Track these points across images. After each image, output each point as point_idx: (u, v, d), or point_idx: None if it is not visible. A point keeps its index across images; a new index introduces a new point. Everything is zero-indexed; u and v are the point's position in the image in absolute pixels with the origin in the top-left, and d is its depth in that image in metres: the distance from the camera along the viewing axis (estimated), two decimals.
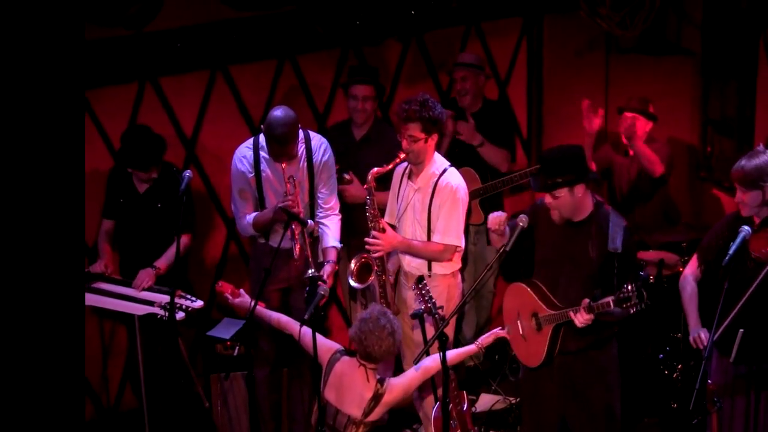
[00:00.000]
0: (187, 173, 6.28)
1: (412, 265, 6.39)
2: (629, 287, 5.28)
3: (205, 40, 7.12)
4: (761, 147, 5.84)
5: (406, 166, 6.42)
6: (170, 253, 6.55)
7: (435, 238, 6.29)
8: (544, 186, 5.52)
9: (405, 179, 6.44)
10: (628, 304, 5.31)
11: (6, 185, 3.50)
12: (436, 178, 6.29)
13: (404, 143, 6.25)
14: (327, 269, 6.39)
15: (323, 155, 6.58)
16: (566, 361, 5.71)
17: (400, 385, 5.73)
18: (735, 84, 8.30)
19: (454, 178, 6.32)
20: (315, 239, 6.62)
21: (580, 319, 5.42)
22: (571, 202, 5.53)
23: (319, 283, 5.94)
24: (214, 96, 7.43)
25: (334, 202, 6.66)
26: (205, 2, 6.64)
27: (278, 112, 6.34)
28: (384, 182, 6.62)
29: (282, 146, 6.32)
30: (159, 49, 6.97)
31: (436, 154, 6.37)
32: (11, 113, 3.49)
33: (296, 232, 6.37)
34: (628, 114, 7.59)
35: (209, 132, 7.42)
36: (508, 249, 5.51)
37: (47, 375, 3.63)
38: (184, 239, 6.66)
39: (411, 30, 7.66)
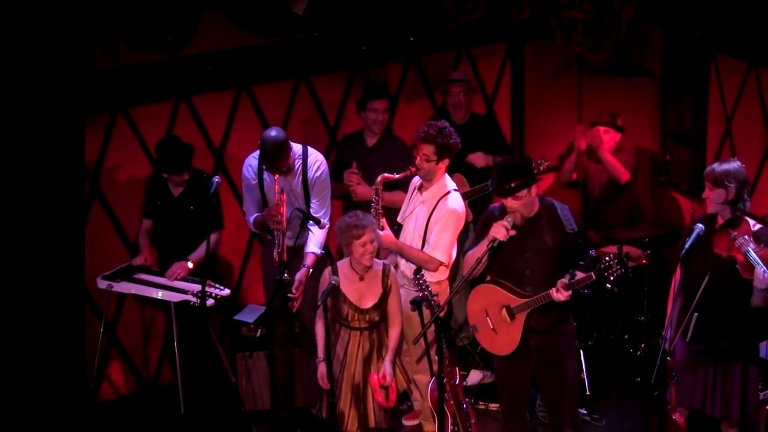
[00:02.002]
0: (216, 179, 6.30)
1: (409, 266, 6.33)
2: (608, 258, 5.34)
3: (232, 63, 7.11)
4: (735, 159, 5.96)
5: (419, 179, 6.39)
6: (201, 248, 6.55)
7: (426, 249, 6.24)
8: (509, 190, 5.47)
9: (416, 191, 6.41)
10: (610, 271, 5.36)
11: (13, 195, 3.48)
12: (439, 197, 6.23)
13: (417, 159, 6.21)
14: (298, 275, 6.36)
15: (316, 172, 6.55)
16: (542, 340, 5.71)
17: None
18: (690, 101, 8.30)
19: (454, 201, 6.23)
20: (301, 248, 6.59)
21: (562, 295, 5.41)
22: (530, 200, 5.53)
23: (331, 274, 5.97)
24: (240, 112, 7.43)
25: (322, 213, 6.58)
26: (232, 30, 6.62)
27: (272, 133, 6.34)
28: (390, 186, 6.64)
29: (271, 162, 6.34)
30: (192, 71, 6.97)
31: (446, 175, 6.31)
32: (20, 131, 3.48)
33: (280, 237, 6.40)
34: (601, 128, 7.61)
35: (235, 143, 7.40)
36: (495, 245, 5.51)
37: (48, 368, 3.58)
38: (214, 236, 6.65)
39: (410, 54, 7.64)
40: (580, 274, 5.42)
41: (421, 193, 6.34)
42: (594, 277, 5.39)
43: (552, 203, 5.66)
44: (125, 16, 5.97)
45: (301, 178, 6.54)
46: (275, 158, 6.32)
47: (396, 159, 6.90)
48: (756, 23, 6.41)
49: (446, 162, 6.21)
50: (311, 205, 6.56)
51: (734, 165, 5.82)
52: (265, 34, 6.67)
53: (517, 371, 5.82)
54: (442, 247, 6.19)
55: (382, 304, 5.96)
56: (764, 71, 7.41)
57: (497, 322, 5.70)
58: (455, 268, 6.58)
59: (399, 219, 6.52)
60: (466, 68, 8.14)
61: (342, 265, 5.96)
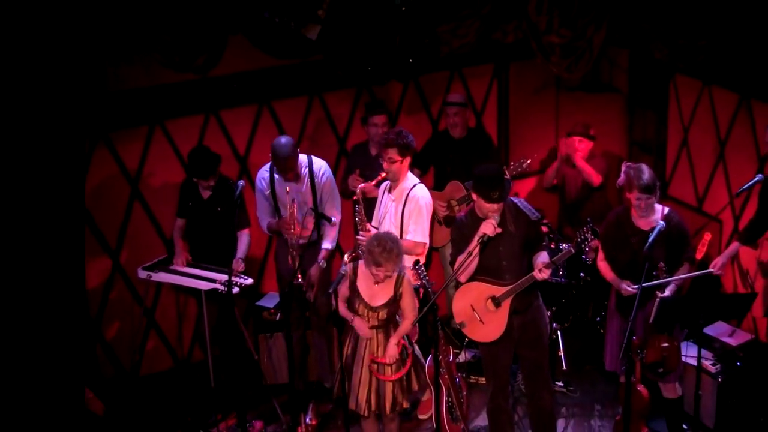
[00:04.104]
0: (241, 183, 6.36)
1: None
2: (583, 230, 5.48)
3: (254, 82, 7.14)
4: (631, 164, 5.95)
5: (388, 183, 6.50)
6: (242, 246, 6.63)
7: (407, 237, 6.32)
8: (500, 197, 5.52)
9: (386, 193, 6.52)
10: (586, 243, 5.48)
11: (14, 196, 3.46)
12: (407, 192, 6.35)
13: (385, 164, 6.32)
14: (311, 270, 6.47)
15: (323, 178, 6.62)
16: (523, 317, 5.79)
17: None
18: (652, 114, 8.33)
19: (421, 191, 6.37)
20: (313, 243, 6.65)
21: (545, 274, 5.51)
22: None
23: (344, 263, 6.03)
24: (261, 124, 7.45)
25: (334, 211, 6.65)
26: (254, 53, 6.64)
27: (282, 140, 6.43)
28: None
29: (284, 163, 6.39)
30: (219, 89, 7.00)
31: (409, 173, 6.43)
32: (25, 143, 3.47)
33: (294, 243, 6.44)
34: (575, 138, 7.64)
35: (257, 151, 7.41)
36: (485, 240, 5.55)
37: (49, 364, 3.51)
38: (246, 233, 6.71)
39: (409, 73, 7.66)
40: (563, 252, 5.55)
41: (391, 193, 6.46)
42: (573, 251, 5.50)
43: (510, 199, 5.73)
44: (162, 42, 6.02)
45: (309, 184, 6.60)
46: (287, 159, 6.37)
47: None
48: (708, 48, 6.46)
49: (408, 159, 6.34)
50: (324, 207, 6.62)
51: (648, 168, 5.87)
52: (283, 57, 6.68)
53: (502, 351, 5.89)
54: (422, 231, 6.33)
55: (391, 306, 5.75)
56: (716, 89, 7.47)
57: (483, 313, 5.75)
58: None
59: (374, 223, 6.58)
60: (459, 86, 8.17)
61: (363, 263, 5.74)
